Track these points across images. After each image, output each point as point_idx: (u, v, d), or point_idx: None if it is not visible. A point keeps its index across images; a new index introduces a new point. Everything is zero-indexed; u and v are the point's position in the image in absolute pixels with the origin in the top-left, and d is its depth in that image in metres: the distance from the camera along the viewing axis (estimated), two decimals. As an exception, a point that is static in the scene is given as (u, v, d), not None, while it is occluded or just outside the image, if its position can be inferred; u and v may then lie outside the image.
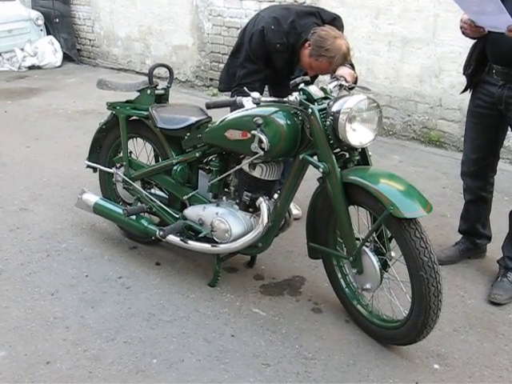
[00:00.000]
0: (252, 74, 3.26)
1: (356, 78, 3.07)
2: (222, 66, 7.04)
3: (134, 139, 3.50)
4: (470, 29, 2.76)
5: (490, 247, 3.38)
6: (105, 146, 3.56)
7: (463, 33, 2.85)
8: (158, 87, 3.28)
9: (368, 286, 2.58)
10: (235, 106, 2.69)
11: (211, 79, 7.35)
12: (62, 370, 2.49)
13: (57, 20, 8.99)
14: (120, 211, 3.31)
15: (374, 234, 2.57)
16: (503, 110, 2.91)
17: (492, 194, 3.24)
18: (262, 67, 3.27)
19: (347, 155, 2.58)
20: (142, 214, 3.32)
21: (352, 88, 2.78)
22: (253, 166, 2.78)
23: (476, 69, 2.94)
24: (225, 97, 5.90)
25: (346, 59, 3.02)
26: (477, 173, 3.14)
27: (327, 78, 3.34)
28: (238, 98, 2.58)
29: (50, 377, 2.45)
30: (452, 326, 2.81)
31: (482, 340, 2.72)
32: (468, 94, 3.11)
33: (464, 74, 3.06)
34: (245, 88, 2.70)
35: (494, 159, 3.15)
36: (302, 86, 2.59)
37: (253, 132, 2.60)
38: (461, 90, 3.14)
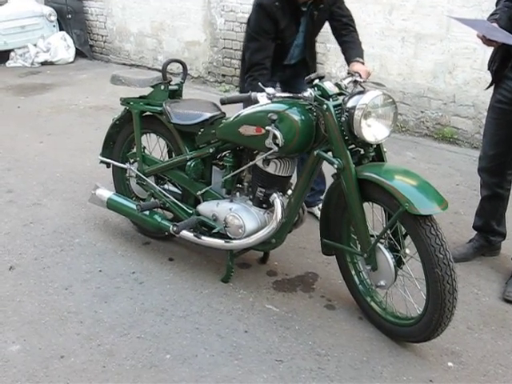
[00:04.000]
0: (258, 52, 3.16)
1: (369, 74, 3.06)
2: (234, 61, 7.06)
3: (148, 135, 3.50)
4: (485, 42, 2.79)
5: (505, 245, 3.36)
6: (118, 142, 3.57)
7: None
8: (171, 83, 3.28)
9: (382, 282, 2.57)
10: (249, 102, 2.68)
11: (223, 75, 7.34)
12: (76, 365, 2.50)
13: (69, 16, 9.02)
14: (133, 207, 3.32)
15: (389, 231, 2.56)
16: None
17: (509, 191, 3.21)
18: (264, 42, 3.14)
19: (362, 151, 2.57)
20: (156, 209, 3.32)
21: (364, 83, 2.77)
22: (267, 161, 2.78)
23: (501, 65, 2.92)
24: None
25: None
26: (494, 169, 3.12)
27: (343, 73, 3.33)
28: (253, 94, 2.57)
29: (64, 371, 2.46)
30: (466, 324, 2.79)
31: (496, 338, 2.71)
32: (484, 91, 3.09)
33: (489, 69, 3.04)
34: (259, 83, 2.69)
35: None
36: (316, 81, 2.58)
37: (267, 128, 2.59)
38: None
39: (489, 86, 3.09)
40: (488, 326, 2.79)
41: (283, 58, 3.35)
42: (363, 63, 3.13)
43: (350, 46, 3.28)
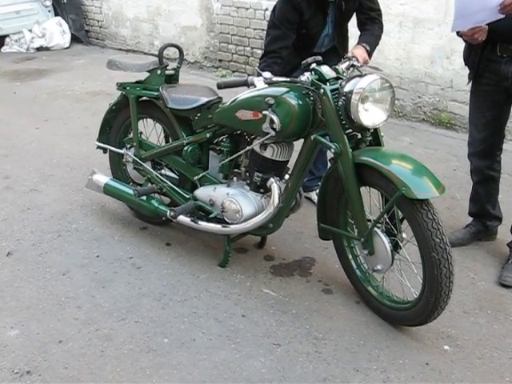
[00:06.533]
0: (276, 41, 3.17)
1: (366, 62, 3.06)
2: (231, 47, 7.02)
3: (144, 120, 3.49)
4: (475, 33, 2.74)
5: (501, 230, 3.36)
6: (115, 127, 3.57)
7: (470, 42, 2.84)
8: (168, 67, 3.26)
9: (379, 267, 2.58)
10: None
11: (220, 60, 7.31)
12: (75, 349, 2.51)
13: (65, 1, 8.95)
14: (130, 192, 3.32)
15: (386, 215, 2.56)
16: (509, 87, 2.91)
17: (500, 172, 3.24)
18: (285, 32, 3.15)
19: (359, 136, 2.57)
20: (153, 194, 3.32)
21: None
22: (264, 146, 2.77)
23: (481, 54, 2.91)
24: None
25: None
26: (484, 152, 3.14)
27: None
28: (250, 78, 2.56)
29: (63, 355, 2.47)
30: (462, 308, 2.81)
31: (492, 322, 2.72)
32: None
33: (466, 64, 3.05)
34: (256, 68, 2.68)
35: (500, 137, 3.15)
36: (313, 66, 2.57)
37: (264, 112, 2.58)
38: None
39: (470, 81, 3.09)
40: (484, 309, 2.80)
41: (312, 46, 3.34)
42: (368, 50, 3.12)
43: (365, 33, 3.27)
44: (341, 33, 3.38)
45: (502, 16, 2.58)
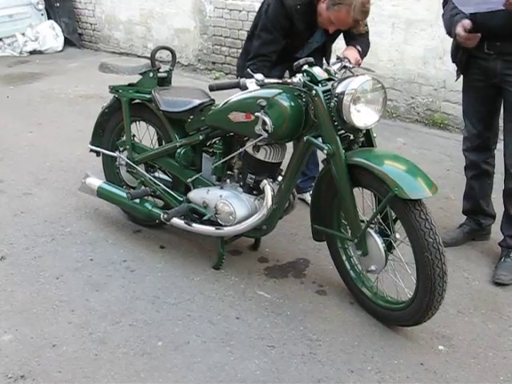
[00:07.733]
0: (268, 45, 3.17)
1: (358, 63, 3.06)
2: (224, 49, 7.02)
3: (137, 122, 3.48)
4: (468, 37, 2.78)
5: (494, 229, 3.37)
6: (108, 130, 3.56)
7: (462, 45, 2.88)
8: (160, 70, 3.26)
9: (373, 267, 2.58)
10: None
11: (213, 63, 7.31)
12: (68, 353, 2.50)
13: (57, 4, 8.92)
14: (124, 195, 3.31)
15: (379, 216, 2.56)
16: (498, 83, 2.93)
17: (494, 167, 3.26)
18: (278, 37, 3.16)
19: (351, 137, 2.57)
20: (146, 197, 3.32)
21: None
22: (257, 148, 2.77)
23: (468, 51, 2.93)
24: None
25: (364, 7, 2.90)
26: (482, 146, 3.17)
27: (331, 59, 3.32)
28: (242, 80, 2.56)
29: (57, 359, 2.46)
30: (456, 308, 2.81)
31: (486, 321, 2.72)
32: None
33: (453, 61, 3.08)
34: (248, 70, 2.68)
35: (496, 131, 3.18)
36: (305, 67, 2.57)
37: (256, 114, 2.58)
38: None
39: (458, 77, 3.14)
40: (478, 309, 2.81)
41: (293, 52, 3.33)
42: (360, 51, 3.11)
43: (355, 40, 3.22)
44: (329, 47, 3.46)
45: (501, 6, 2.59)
